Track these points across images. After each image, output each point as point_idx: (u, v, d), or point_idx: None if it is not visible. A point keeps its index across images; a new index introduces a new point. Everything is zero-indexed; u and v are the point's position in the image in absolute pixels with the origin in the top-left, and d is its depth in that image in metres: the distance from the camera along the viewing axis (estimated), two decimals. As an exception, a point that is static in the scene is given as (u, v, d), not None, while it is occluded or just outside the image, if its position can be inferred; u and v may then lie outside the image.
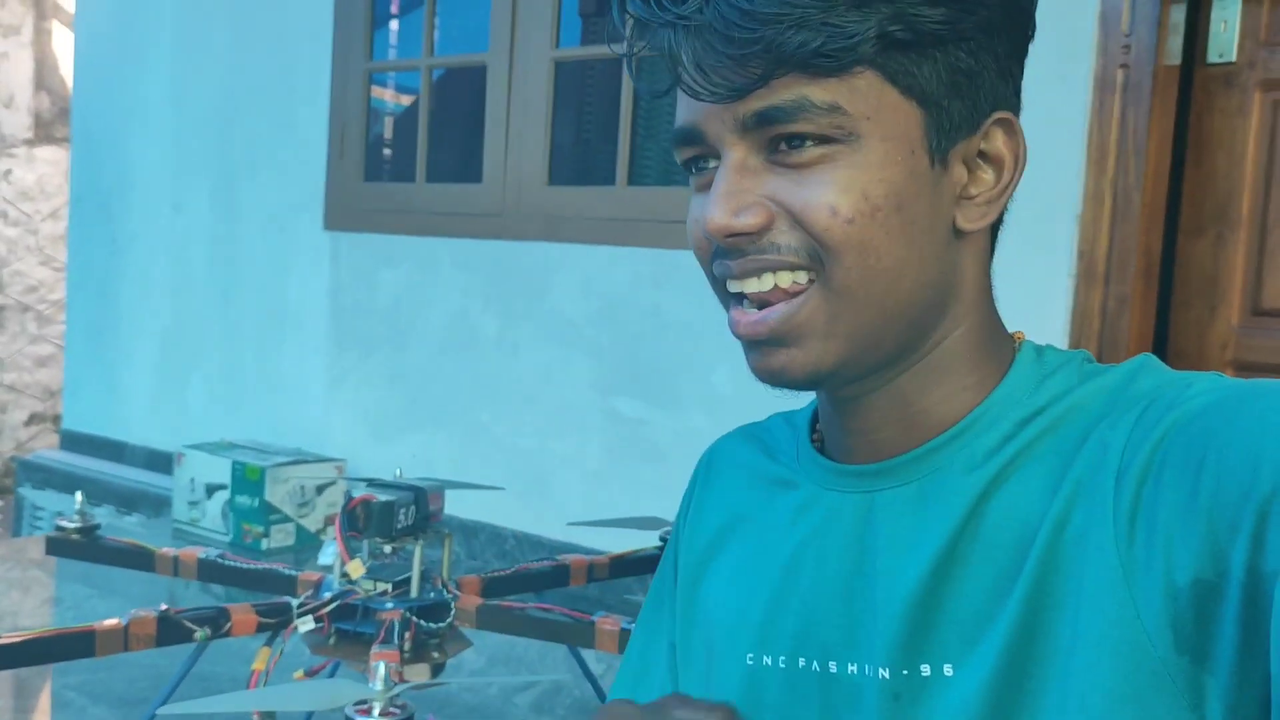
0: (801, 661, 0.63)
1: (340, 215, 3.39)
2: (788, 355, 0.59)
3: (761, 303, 0.59)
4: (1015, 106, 0.61)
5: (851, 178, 0.56)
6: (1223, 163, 2.16)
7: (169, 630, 1.11)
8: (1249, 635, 0.48)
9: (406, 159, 3.49)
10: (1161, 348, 2.22)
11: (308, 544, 3.09)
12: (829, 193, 0.56)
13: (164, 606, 1.13)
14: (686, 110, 0.59)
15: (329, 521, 3.16)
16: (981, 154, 0.60)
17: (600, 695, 1.44)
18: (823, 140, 0.56)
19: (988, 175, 0.60)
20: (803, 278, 0.58)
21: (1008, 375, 0.62)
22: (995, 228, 0.64)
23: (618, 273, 2.83)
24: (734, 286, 0.60)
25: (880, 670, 0.59)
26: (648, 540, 1.58)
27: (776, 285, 0.59)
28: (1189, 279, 2.20)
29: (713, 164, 0.60)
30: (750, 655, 0.65)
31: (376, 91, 3.60)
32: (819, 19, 0.54)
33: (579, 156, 3.23)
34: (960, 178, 0.59)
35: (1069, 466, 0.56)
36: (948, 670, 0.57)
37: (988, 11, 0.57)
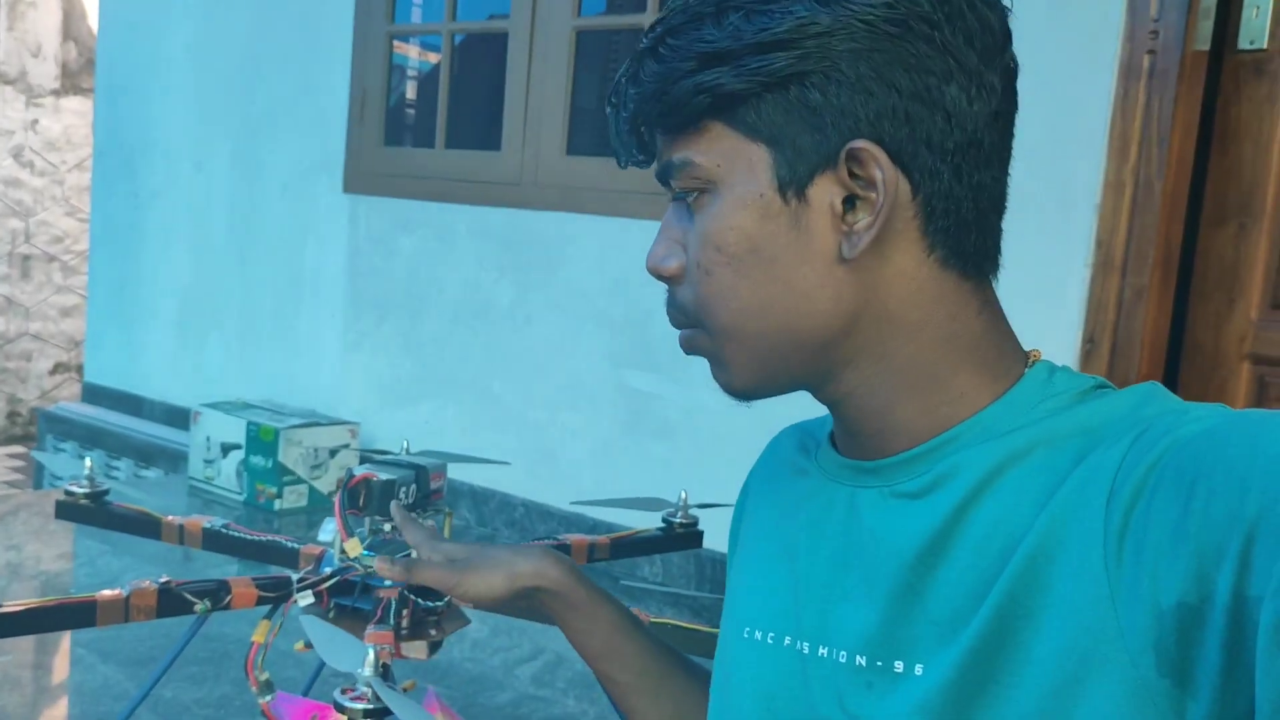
0: (787, 640, 0.67)
1: (359, 179, 3.39)
2: (715, 372, 0.67)
3: None
4: (890, 125, 0.59)
5: (710, 230, 0.63)
6: (1249, 152, 2.12)
7: (170, 602, 1.12)
8: (1232, 660, 0.48)
9: (427, 124, 3.48)
10: (1178, 340, 2.19)
11: (319, 505, 3.12)
12: (698, 249, 0.64)
13: (165, 578, 1.13)
14: None
15: (340, 484, 3.18)
16: (856, 179, 0.60)
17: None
18: (695, 192, 0.64)
19: (864, 204, 0.60)
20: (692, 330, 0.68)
21: (1009, 392, 0.62)
22: (974, 252, 0.62)
23: (633, 245, 2.82)
24: None
25: (857, 658, 0.62)
26: (651, 520, 1.59)
27: None
28: (1208, 271, 2.17)
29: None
30: (746, 629, 0.70)
31: (399, 48, 3.57)
32: (662, 87, 0.62)
33: (598, 127, 3.21)
34: (833, 208, 0.61)
35: (1061, 484, 0.56)
36: (918, 670, 0.59)
37: (838, 42, 0.58)
